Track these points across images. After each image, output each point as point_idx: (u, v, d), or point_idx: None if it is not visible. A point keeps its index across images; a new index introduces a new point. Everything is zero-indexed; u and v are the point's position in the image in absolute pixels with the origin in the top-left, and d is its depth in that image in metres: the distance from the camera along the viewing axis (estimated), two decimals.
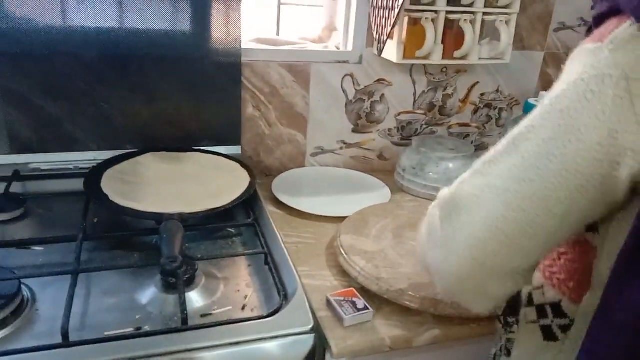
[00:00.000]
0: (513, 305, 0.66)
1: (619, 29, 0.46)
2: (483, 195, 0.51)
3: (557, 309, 0.58)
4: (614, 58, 0.45)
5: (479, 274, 0.53)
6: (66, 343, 0.68)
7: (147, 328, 0.74)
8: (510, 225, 0.50)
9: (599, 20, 0.50)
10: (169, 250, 0.79)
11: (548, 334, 0.59)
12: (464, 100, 1.43)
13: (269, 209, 1.09)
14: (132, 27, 1.09)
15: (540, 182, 0.48)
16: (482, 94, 1.44)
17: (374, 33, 1.22)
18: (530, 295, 0.62)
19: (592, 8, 0.53)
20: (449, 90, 1.40)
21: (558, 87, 0.49)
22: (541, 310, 0.60)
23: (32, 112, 1.09)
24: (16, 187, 1.08)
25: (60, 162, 1.13)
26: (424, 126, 1.42)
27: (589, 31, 0.53)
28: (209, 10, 1.13)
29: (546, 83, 1.48)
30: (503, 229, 0.50)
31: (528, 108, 1.18)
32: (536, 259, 0.54)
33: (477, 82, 1.41)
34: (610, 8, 0.48)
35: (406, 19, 1.15)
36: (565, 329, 0.57)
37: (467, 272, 0.54)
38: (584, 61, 0.47)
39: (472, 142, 1.48)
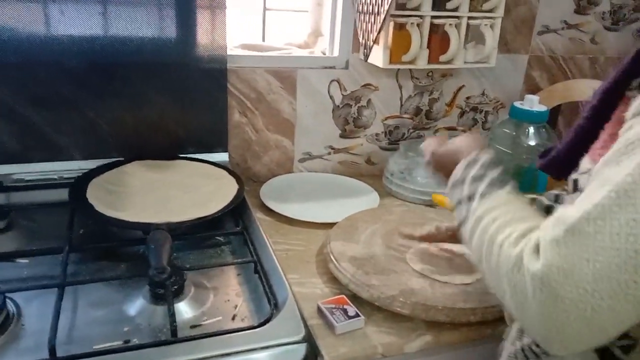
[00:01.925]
0: None
1: None
2: (599, 260, 0.44)
3: None
4: None
5: (596, 338, 0.48)
6: (53, 358, 0.66)
7: (136, 341, 0.73)
8: None
9: None
10: (157, 260, 0.78)
11: (607, 356, 0.55)
12: (450, 104, 1.44)
13: (257, 215, 1.09)
14: (117, 34, 1.08)
15: None
16: (467, 98, 1.45)
17: (360, 38, 1.22)
18: None
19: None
20: (435, 94, 1.41)
21: None
22: None
23: (15, 121, 1.07)
24: None
25: (45, 172, 1.11)
26: (411, 130, 1.43)
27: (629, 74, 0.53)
28: (194, 17, 1.12)
29: (531, 86, 1.49)
30: (632, 294, 0.44)
31: (514, 111, 1.18)
32: None
33: (463, 86, 1.42)
34: None
35: (392, 24, 1.15)
36: (627, 349, 0.54)
37: (580, 341, 0.48)
38: None
39: None
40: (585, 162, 0.60)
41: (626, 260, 0.43)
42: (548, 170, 0.72)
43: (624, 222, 0.44)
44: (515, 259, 0.51)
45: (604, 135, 0.58)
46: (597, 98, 0.61)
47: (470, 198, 0.63)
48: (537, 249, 0.49)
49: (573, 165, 0.63)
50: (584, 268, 0.45)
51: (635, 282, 0.44)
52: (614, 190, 0.45)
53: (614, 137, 0.52)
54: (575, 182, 0.61)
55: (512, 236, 0.53)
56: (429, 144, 0.82)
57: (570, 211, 0.48)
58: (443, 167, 0.76)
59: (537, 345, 0.62)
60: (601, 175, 0.48)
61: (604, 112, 0.59)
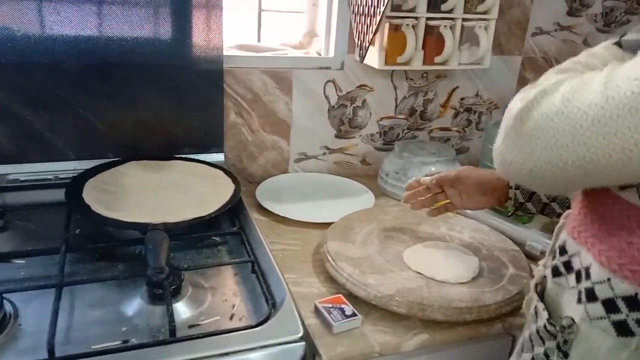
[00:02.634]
0: (553, 307, 0.64)
1: None
2: (555, 120, 0.51)
3: (632, 302, 0.54)
4: None
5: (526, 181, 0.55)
6: (52, 359, 0.66)
7: (134, 341, 0.73)
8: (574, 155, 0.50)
9: None
10: (155, 261, 0.78)
11: (623, 330, 0.55)
12: (444, 105, 1.45)
13: (253, 216, 1.09)
14: (113, 35, 1.08)
15: (613, 133, 0.47)
16: (462, 99, 1.46)
17: (356, 39, 1.22)
18: (590, 291, 0.58)
19: None
20: (430, 95, 1.42)
21: None
22: (610, 305, 0.56)
23: (11, 121, 1.07)
24: None
25: (40, 172, 1.11)
26: (406, 131, 1.43)
27: None
28: (190, 18, 1.12)
29: (524, 87, 1.50)
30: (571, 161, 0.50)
31: None
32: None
33: (457, 87, 1.43)
34: None
35: (387, 25, 1.16)
36: None
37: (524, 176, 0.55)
38: None
39: (452, 146, 1.50)
40: None
41: (571, 130, 0.49)
42: None
43: (587, 103, 0.49)
44: (521, 92, 0.57)
45: None
46: None
47: None
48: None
49: None
50: (542, 122, 0.51)
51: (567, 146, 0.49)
52: (605, 79, 0.49)
53: None
54: None
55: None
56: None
57: (566, 75, 0.54)
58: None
59: (552, 324, 0.62)
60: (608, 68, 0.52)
61: None
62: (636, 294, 0.54)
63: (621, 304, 0.55)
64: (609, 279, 0.56)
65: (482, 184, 0.92)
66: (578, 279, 0.60)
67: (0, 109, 1.05)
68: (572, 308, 0.61)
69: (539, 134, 0.52)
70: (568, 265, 0.62)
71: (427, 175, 0.98)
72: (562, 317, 0.62)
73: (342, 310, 0.81)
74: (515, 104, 0.55)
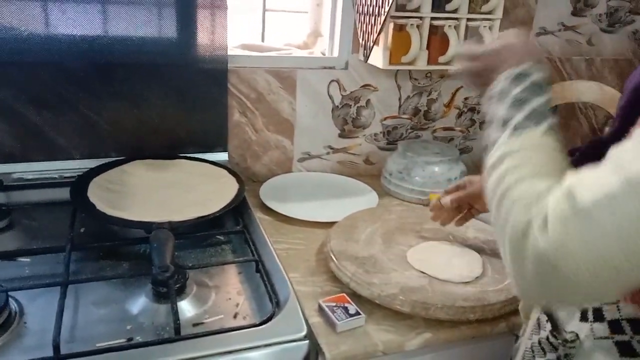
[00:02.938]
0: (557, 320, 0.65)
1: None
2: (597, 245, 0.46)
3: (637, 325, 0.56)
4: None
5: (585, 302, 0.52)
6: (57, 356, 0.67)
7: (139, 339, 0.74)
8: (628, 270, 0.46)
9: None
10: (160, 259, 0.78)
11: (626, 350, 0.57)
12: (448, 105, 1.45)
13: (257, 215, 1.09)
14: (117, 34, 1.08)
15: None
16: (465, 98, 1.46)
17: (360, 39, 1.23)
18: (598, 311, 0.60)
19: None
20: (434, 95, 1.42)
21: None
22: (615, 326, 0.58)
23: (16, 120, 1.07)
24: (0, 198, 1.06)
25: (45, 171, 1.12)
26: (409, 130, 1.43)
27: None
28: (195, 17, 1.13)
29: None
30: (627, 274, 0.46)
31: None
32: None
33: (461, 87, 1.43)
34: None
35: (391, 25, 1.16)
36: None
37: (571, 302, 0.52)
38: None
39: (456, 146, 1.50)
40: None
41: (624, 245, 0.45)
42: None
43: (633, 213, 0.44)
44: (524, 225, 0.50)
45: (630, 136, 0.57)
46: (625, 99, 0.60)
47: (505, 124, 0.59)
48: (546, 221, 0.49)
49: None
50: (584, 251, 0.46)
51: (628, 262, 0.45)
52: (626, 178, 0.45)
53: None
54: None
55: (526, 197, 0.52)
56: (468, 47, 0.71)
57: (581, 188, 0.48)
58: (482, 72, 0.67)
59: (555, 336, 0.63)
60: (616, 159, 0.48)
61: (632, 111, 0.58)
62: None
63: (626, 326, 0.57)
64: (617, 301, 0.58)
65: None
66: None
67: (5, 108, 1.06)
68: (574, 324, 0.62)
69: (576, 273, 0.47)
70: None
71: (445, 192, 0.96)
72: (563, 329, 0.63)
73: (345, 309, 0.81)
74: (534, 246, 0.49)
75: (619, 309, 0.58)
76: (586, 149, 0.69)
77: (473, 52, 0.69)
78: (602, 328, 0.59)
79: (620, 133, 0.58)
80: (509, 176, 0.55)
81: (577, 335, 0.61)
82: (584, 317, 0.61)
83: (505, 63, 0.63)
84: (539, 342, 0.66)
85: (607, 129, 0.66)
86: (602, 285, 0.47)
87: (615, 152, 0.49)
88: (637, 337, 0.56)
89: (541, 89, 0.60)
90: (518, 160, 0.56)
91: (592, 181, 0.48)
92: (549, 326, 0.65)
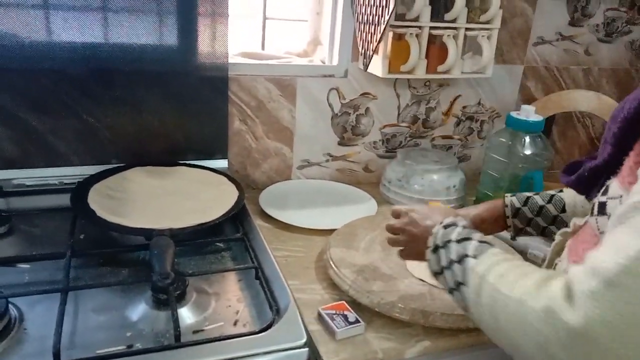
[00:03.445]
0: None
1: None
2: (634, 320, 0.44)
3: None
4: None
5: None
6: None
7: (139, 345, 0.74)
8: None
9: None
10: (160, 266, 0.78)
11: None
12: (446, 113, 1.46)
13: (257, 222, 1.10)
14: (119, 41, 1.09)
15: None
16: (464, 107, 1.47)
17: (360, 48, 1.23)
18: None
19: None
20: (432, 104, 1.43)
21: None
22: None
23: (16, 126, 1.08)
24: (0, 204, 1.06)
25: (45, 177, 1.12)
26: (408, 139, 1.44)
27: None
28: (196, 25, 1.13)
29: (526, 96, 1.52)
30: None
31: (510, 121, 1.20)
32: None
33: (459, 95, 1.44)
34: None
35: (391, 34, 1.17)
36: None
37: None
38: None
39: (454, 154, 1.51)
40: (615, 188, 0.59)
41: None
42: (575, 188, 0.72)
43: None
44: (544, 312, 0.49)
45: (629, 162, 0.57)
46: (618, 126, 0.60)
47: (461, 260, 0.63)
48: (568, 300, 0.48)
49: (599, 185, 0.64)
50: (630, 320, 0.44)
51: None
52: None
53: (638, 165, 0.53)
54: (603, 205, 0.59)
55: (530, 288, 0.53)
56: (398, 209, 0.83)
57: (602, 260, 0.47)
58: (414, 239, 0.77)
59: None
60: (633, 220, 0.48)
61: (626, 140, 0.59)
62: None
63: None
64: None
65: (482, 219, 0.89)
66: None
67: (6, 113, 1.06)
68: None
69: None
70: None
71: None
72: None
73: (345, 316, 0.81)
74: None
75: None
76: (584, 173, 0.69)
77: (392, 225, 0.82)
78: None
79: (615, 160, 0.60)
80: (502, 284, 0.56)
81: None
82: None
83: (431, 221, 0.74)
84: None
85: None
86: None
87: (626, 212, 0.49)
88: None
89: (471, 229, 0.69)
90: (500, 271, 0.58)
91: (612, 251, 0.47)
92: None
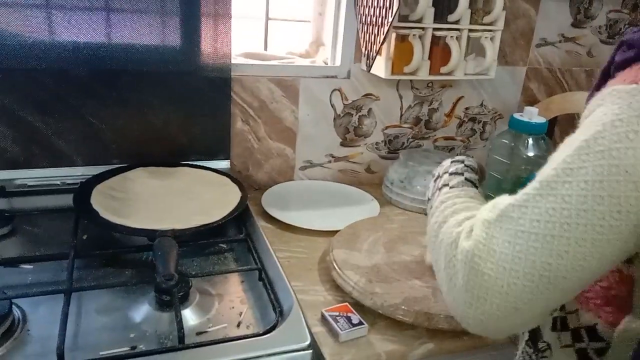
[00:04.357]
0: (535, 330, 0.66)
1: None
2: (519, 242, 0.48)
3: (592, 333, 0.58)
4: None
5: (511, 318, 0.50)
6: None
7: (142, 347, 0.74)
8: (554, 271, 0.47)
9: (623, 64, 0.51)
10: (164, 267, 0.78)
11: (583, 358, 0.59)
12: (449, 114, 1.45)
13: (259, 223, 1.09)
14: (121, 42, 1.09)
15: (589, 225, 0.46)
16: (466, 108, 1.47)
17: (363, 49, 1.23)
18: (564, 320, 0.62)
19: (614, 54, 0.53)
20: (435, 105, 1.42)
21: (591, 127, 0.48)
22: (576, 334, 0.60)
23: (18, 126, 1.07)
24: (2, 204, 1.06)
25: (47, 177, 1.12)
26: (410, 140, 1.44)
27: (607, 71, 0.54)
28: (199, 26, 1.13)
29: (528, 97, 1.51)
30: (547, 275, 0.47)
31: (513, 123, 1.20)
32: (574, 296, 0.53)
33: (462, 97, 1.44)
34: (637, 53, 0.49)
35: (394, 36, 1.17)
36: (600, 352, 0.57)
37: (497, 317, 0.50)
38: (619, 102, 0.47)
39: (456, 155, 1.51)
40: None
41: (543, 244, 0.47)
42: None
43: (544, 210, 0.48)
44: (454, 236, 0.56)
45: None
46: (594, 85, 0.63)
47: (442, 187, 0.71)
48: (469, 232, 0.54)
49: None
50: (504, 249, 0.49)
51: (549, 264, 0.47)
52: (539, 181, 0.49)
53: None
54: None
55: (460, 217, 0.59)
56: None
57: (505, 198, 0.52)
58: None
59: (529, 346, 0.67)
60: (542, 170, 0.52)
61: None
62: (595, 325, 0.58)
63: (584, 334, 0.59)
64: (577, 310, 0.60)
65: None
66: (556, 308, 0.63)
67: (9, 114, 1.06)
68: (547, 333, 0.64)
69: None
70: None
71: None
72: (539, 339, 0.65)
73: (348, 318, 0.81)
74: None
75: (578, 317, 0.60)
76: None
77: None
78: (567, 336, 0.61)
79: None
80: (448, 210, 0.63)
81: (548, 344, 0.63)
82: (554, 327, 0.63)
83: None
84: (522, 352, 0.68)
85: None
86: (524, 288, 0.48)
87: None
88: (592, 345, 0.58)
89: (473, 169, 0.75)
90: (456, 200, 0.65)
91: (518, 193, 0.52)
92: (525, 337, 0.68)
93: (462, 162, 0.76)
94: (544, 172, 0.50)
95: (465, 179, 0.71)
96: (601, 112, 0.48)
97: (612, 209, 0.45)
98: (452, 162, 0.76)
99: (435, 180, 0.75)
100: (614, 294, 0.56)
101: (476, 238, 0.51)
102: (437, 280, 0.60)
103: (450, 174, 0.72)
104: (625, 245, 0.47)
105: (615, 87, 0.49)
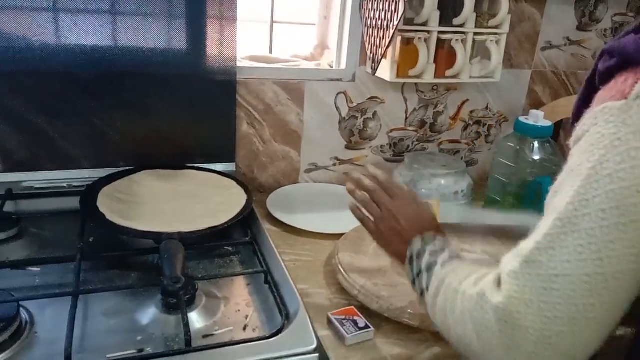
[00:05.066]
0: None
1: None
2: (555, 287, 0.46)
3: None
4: None
5: None
6: None
7: (149, 350, 0.74)
8: (599, 310, 0.46)
9: (607, 73, 0.51)
10: (171, 270, 0.78)
11: None
12: (454, 118, 1.45)
13: (265, 226, 1.10)
14: (128, 45, 1.09)
15: (621, 257, 0.45)
16: (471, 111, 1.47)
17: (368, 52, 1.24)
18: None
19: (597, 63, 0.53)
20: (440, 108, 1.43)
21: (593, 153, 0.47)
22: None
23: (25, 129, 1.08)
24: (9, 206, 1.07)
25: (54, 180, 1.12)
26: (416, 143, 1.44)
27: (592, 79, 0.54)
28: (205, 29, 1.14)
29: (534, 100, 1.51)
30: (593, 317, 0.46)
31: (519, 126, 1.20)
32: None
33: (467, 100, 1.44)
34: (618, 62, 0.49)
35: (399, 39, 1.17)
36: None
37: None
38: (613, 120, 0.46)
39: (462, 158, 1.51)
40: None
41: (580, 285, 0.45)
42: None
43: (572, 249, 0.46)
44: (477, 296, 0.53)
45: None
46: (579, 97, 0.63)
47: (430, 268, 0.67)
48: (498, 283, 0.51)
49: None
50: (542, 297, 0.47)
51: (592, 305, 0.46)
52: (559, 218, 0.47)
53: None
54: None
55: (472, 279, 0.56)
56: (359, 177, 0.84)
57: (526, 243, 0.50)
58: (387, 235, 0.79)
59: None
60: (550, 204, 0.50)
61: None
62: None
63: None
64: None
65: None
66: None
67: (15, 116, 1.06)
68: None
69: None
70: None
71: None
72: None
73: (354, 322, 0.81)
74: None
75: None
76: None
77: (362, 182, 0.82)
78: None
79: None
80: (454, 282, 0.60)
81: None
82: None
83: (410, 231, 0.74)
84: None
85: None
86: (572, 334, 0.47)
87: (549, 198, 0.51)
88: None
89: (448, 242, 0.72)
90: (458, 272, 0.62)
91: (534, 234, 0.50)
92: None
93: (435, 237, 0.72)
94: (559, 207, 0.48)
95: (450, 253, 0.69)
96: (598, 134, 0.47)
97: (638, 234, 0.44)
98: (423, 240, 0.72)
99: (413, 264, 0.72)
100: None
101: (507, 292, 0.49)
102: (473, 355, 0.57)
103: (432, 254, 0.69)
104: None
105: (607, 105, 0.48)
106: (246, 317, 0.83)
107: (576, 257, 0.45)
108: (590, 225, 0.45)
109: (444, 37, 1.19)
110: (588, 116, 0.50)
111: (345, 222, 1.11)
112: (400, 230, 0.76)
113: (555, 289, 0.46)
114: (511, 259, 0.51)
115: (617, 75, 0.49)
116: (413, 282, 0.70)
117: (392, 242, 0.77)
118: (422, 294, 0.67)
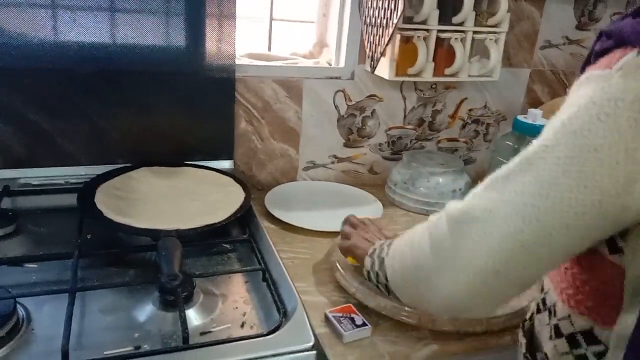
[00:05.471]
0: (530, 339, 0.67)
1: (626, 57, 0.48)
2: (499, 209, 0.53)
3: (589, 336, 0.58)
4: (625, 83, 0.47)
5: (492, 283, 0.55)
6: None
7: (146, 347, 0.74)
8: (528, 237, 0.51)
9: (601, 53, 0.53)
10: (169, 268, 0.78)
11: None
12: (452, 116, 1.45)
13: (262, 223, 1.10)
14: (126, 42, 1.09)
15: (558, 197, 0.49)
16: (470, 110, 1.47)
17: (367, 50, 1.23)
18: (557, 327, 0.62)
19: (594, 45, 0.55)
20: (438, 106, 1.43)
21: (567, 109, 0.51)
22: (572, 340, 0.60)
23: (23, 126, 1.08)
24: (6, 203, 1.06)
25: (51, 177, 1.12)
26: (414, 141, 1.44)
27: (587, 63, 0.56)
28: (203, 26, 1.13)
29: (532, 99, 1.51)
30: (521, 240, 0.52)
31: (517, 125, 1.20)
32: (549, 269, 0.57)
33: (466, 98, 1.44)
34: (615, 42, 0.51)
35: (398, 37, 1.17)
36: (601, 355, 0.57)
37: (480, 282, 0.55)
38: (594, 86, 0.49)
39: (460, 157, 1.51)
40: None
41: (516, 208, 0.52)
42: None
43: (520, 182, 0.52)
44: (434, 222, 0.61)
45: None
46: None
47: (381, 263, 0.74)
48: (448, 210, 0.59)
49: None
50: (486, 215, 0.54)
51: (521, 230, 0.51)
52: (521, 157, 0.53)
53: None
54: None
55: (417, 227, 0.65)
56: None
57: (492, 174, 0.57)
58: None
59: (527, 358, 0.67)
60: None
61: None
62: (591, 328, 0.58)
63: (580, 339, 0.59)
64: (569, 315, 0.60)
65: None
66: (549, 316, 0.64)
67: (13, 113, 1.06)
68: (546, 344, 0.64)
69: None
70: (544, 302, 0.66)
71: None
72: (539, 350, 0.66)
73: (352, 319, 0.81)
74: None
75: (572, 323, 0.60)
76: None
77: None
78: (562, 344, 0.61)
79: None
80: (403, 246, 0.69)
81: (546, 355, 0.64)
82: (549, 336, 0.63)
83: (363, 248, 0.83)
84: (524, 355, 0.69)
85: None
86: (507, 254, 0.53)
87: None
88: (591, 349, 0.58)
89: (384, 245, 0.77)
90: (398, 241, 0.72)
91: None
92: (522, 349, 0.69)
93: (382, 246, 0.78)
94: (526, 149, 0.54)
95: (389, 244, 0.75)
96: (578, 95, 0.51)
97: (580, 183, 0.48)
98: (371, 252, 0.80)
99: (369, 277, 0.78)
100: (605, 293, 0.56)
101: (465, 203, 0.57)
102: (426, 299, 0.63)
103: (377, 256, 0.76)
104: (593, 222, 0.49)
105: (592, 72, 0.51)
106: (244, 315, 0.83)
107: (521, 189, 0.52)
108: (543, 166, 0.50)
109: (443, 35, 1.19)
110: (576, 82, 0.53)
111: (342, 219, 1.12)
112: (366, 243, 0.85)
113: (498, 212, 0.53)
114: (477, 185, 0.58)
115: (610, 53, 0.51)
116: (379, 289, 0.76)
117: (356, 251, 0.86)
118: (387, 288, 0.73)
